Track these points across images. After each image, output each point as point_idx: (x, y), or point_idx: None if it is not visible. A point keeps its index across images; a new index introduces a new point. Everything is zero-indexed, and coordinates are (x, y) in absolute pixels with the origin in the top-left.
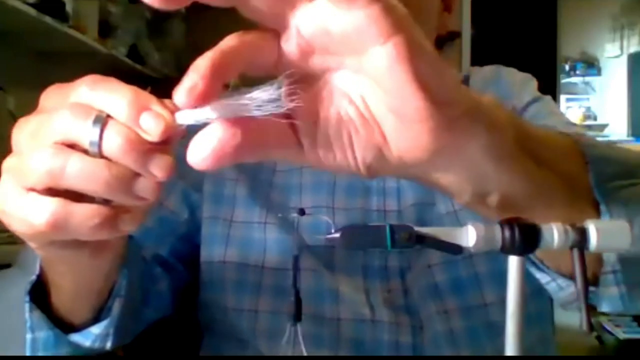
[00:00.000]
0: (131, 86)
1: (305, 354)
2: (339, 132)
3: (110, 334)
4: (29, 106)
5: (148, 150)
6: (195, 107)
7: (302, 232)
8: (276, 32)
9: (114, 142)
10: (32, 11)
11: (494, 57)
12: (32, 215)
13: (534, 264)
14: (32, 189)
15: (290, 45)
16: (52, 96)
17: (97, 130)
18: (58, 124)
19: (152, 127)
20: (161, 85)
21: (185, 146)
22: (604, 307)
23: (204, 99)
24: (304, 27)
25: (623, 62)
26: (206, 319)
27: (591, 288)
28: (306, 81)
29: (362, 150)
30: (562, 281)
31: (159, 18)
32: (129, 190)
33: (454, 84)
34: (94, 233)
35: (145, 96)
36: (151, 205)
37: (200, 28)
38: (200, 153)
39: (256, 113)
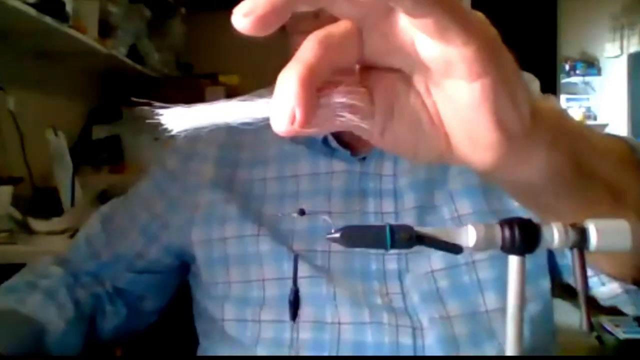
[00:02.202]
0: None
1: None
2: (408, 131)
3: None
4: (29, 106)
5: None
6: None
7: (299, 238)
8: (358, 28)
9: None
10: (32, 11)
11: None
12: None
13: None
14: None
15: (375, 43)
16: None
17: None
18: None
19: None
20: (161, 85)
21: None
22: None
23: (306, 123)
24: (393, 34)
25: (623, 62)
26: (204, 327)
27: (634, 288)
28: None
29: (425, 153)
30: (604, 277)
31: (159, 18)
32: None
33: (529, 114)
34: None
35: None
36: None
37: (200, 28)
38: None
39: (245, 119)
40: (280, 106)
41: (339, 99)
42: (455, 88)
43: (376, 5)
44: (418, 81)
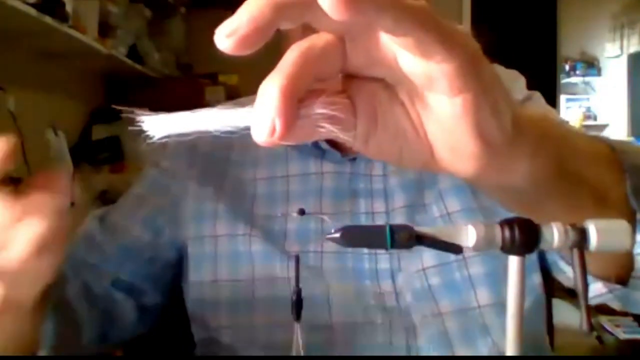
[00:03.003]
0: None
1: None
2: (392, 139)
3: None
4: (29, 106)
5: None
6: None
7: (291, 239)
8: (341, 39)
9: None
10: (32, 11)
11: (493, 56)
12: None
13: (563, 258)
14: None
15: (358, 56)
16: None
17: None
18: None
19: None
20: (161, 85)
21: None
22: (634, 309)
23: (286, 134)
24: (375, 47)
25: (623, 62)
26: (199, 333)
27: (618, 287)
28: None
29: (409, 160)
30: (588, 277)
31: (159, 18)
32: None
33: (511, 124)
34: None
35: None
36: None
37: (200, 28)
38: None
39: (227, 127)
40: (260, 117)
41: (320, 109)
42: (437, 101)
43: (357, 22)
44: (401, 91)
